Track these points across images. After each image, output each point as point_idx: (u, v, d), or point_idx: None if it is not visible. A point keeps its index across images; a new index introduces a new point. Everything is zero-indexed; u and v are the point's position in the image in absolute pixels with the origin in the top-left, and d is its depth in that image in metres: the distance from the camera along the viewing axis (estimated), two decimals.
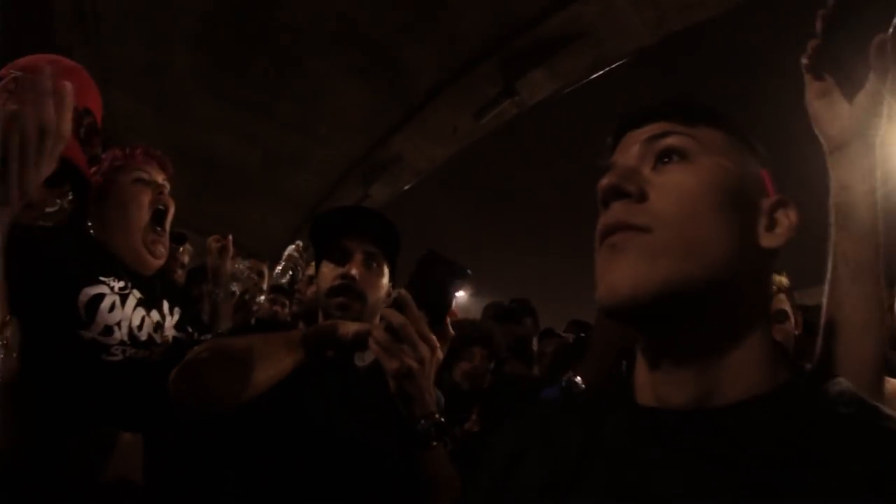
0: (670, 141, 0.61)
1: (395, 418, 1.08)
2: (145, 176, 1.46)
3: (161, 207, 1.47)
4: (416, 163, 5.44)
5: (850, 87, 0.79)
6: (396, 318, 0.99)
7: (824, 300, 0.87)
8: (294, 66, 4.67)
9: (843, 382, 0.56)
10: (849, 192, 0.82)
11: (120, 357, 1.32)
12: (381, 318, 1.01)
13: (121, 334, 1.33)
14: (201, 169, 6.07)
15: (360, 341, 1.20)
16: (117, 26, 4.35)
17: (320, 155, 5.72)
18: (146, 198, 1.45)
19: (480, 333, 2.44)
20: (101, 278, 1.34)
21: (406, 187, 5.64)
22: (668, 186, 0.59)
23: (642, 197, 0.59)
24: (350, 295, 1.31)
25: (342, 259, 1.35)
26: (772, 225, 0.60)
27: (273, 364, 1.15)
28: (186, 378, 1.13)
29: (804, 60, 0.82)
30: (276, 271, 2.46)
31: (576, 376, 1.92)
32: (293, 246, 2.42)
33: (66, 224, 1.43)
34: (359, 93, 4.83)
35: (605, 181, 0.60)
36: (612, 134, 0.68)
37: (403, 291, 1.00)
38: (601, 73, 3.85)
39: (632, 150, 0.63)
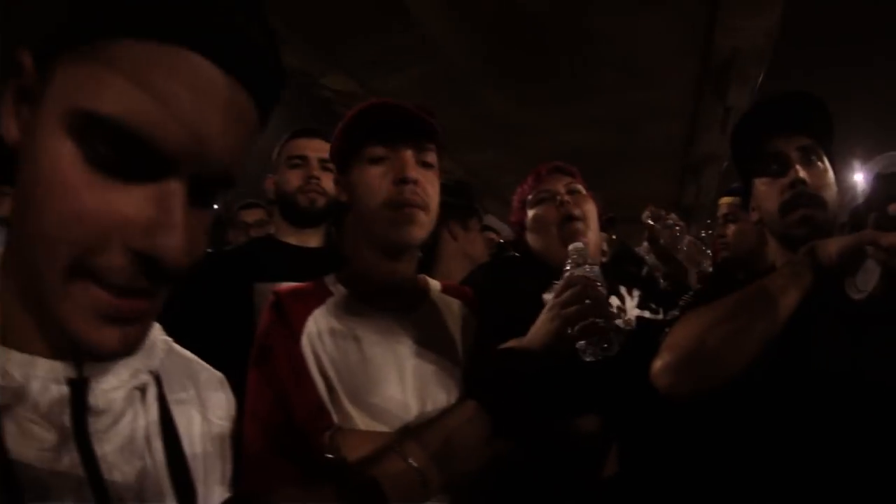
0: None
1: None
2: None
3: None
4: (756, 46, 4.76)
5: None
6: None
7: None
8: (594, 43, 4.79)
9: None
10: None
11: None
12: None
13: None
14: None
15: (850, 262, 0.96)
16: None
17: (661, 98, 5.58)
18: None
19: None
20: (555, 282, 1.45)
21: (760, 78, 4.97)
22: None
23: None
24: (808, 203, 1.12)
25: (779, 167, 1.16)
26: None
27: (769, 313, 1.00)
28: (675, 365, 1.05)
29: None
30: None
31: None
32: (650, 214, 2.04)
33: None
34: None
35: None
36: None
37: None
38: None
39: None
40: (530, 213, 1.53)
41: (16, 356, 0.52)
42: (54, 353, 0.54)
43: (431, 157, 1.05)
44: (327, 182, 1.80)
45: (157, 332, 0.68)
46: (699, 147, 6.27)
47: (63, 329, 0.49)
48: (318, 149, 1.85)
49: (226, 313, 1.54)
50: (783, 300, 0.99)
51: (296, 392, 0.90)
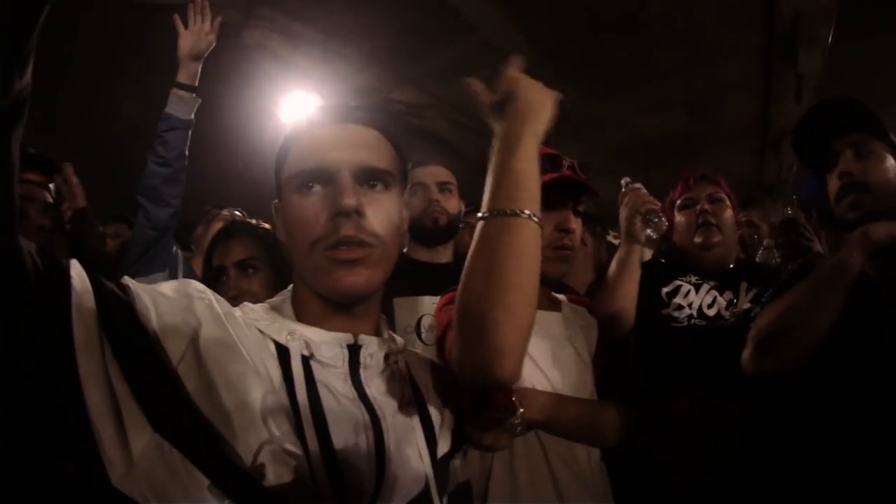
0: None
1: None
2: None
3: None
4: (821, 4, 4.62)
5: None
6: None
7: None
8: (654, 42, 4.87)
9: None
10: None
11: (685, 324, 1.71)
12: None
13: (690, 310, 1.72)
14: (646, 153, 6.57)
15: None
16: None
17: (727, 74, 5.49)
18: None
19: None
20: (678, 278, 1.76)
21: (829, 38, 4.81)
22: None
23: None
24: (854, 190, 1.24)
25: (834, 163, 1.30)
26: None
27: (830, 293, 1.14)
28: (758, 349, 1.20)
29: None
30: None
31: None
32: None
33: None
34: None
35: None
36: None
37: None
38: None
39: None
40: (677, 216, 1.85)
41: (317, 331, 0.86)
42: (338, 329, 0.87)
43: (582, 206, 1.38)
44: (447, 202, 2.06)
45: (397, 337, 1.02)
46: (775, 120, 6.05)
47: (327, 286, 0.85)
48: (434, 174, 2.10)
49: None
50: (841, 280, 1.13)
51: None
